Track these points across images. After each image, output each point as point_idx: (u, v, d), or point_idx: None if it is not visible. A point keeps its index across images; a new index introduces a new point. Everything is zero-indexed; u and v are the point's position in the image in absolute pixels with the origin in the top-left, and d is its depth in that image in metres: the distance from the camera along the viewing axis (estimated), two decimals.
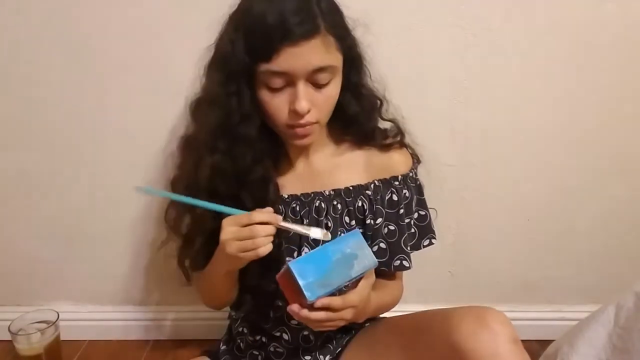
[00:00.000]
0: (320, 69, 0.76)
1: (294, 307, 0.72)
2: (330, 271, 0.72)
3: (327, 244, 0.75)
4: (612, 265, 1.25)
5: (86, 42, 1.05)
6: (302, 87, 0.76)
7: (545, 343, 1.05)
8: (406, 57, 1.06)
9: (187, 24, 1.02)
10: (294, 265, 0.71)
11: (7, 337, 1.06)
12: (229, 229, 0.76)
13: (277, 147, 0.89)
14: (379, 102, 0.92)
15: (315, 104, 0.79)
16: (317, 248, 0.74)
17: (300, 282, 0.70)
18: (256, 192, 0.83)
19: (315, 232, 0.78)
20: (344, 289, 0.75)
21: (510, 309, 1.27)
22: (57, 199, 1.19)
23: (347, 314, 0.75)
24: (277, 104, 0.79)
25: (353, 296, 0.75)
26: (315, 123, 0.81)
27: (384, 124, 0.94)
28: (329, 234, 0.80)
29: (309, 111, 0.78)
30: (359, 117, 0.89)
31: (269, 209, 0.77)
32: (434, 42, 1.06)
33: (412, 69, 1.07)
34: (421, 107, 1.08)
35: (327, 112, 0.83)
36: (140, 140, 1.12)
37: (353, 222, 0.89)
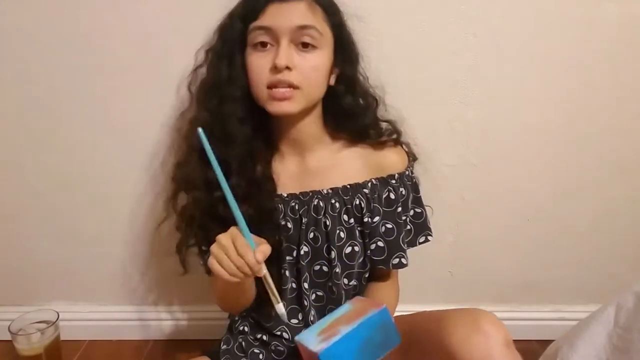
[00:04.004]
0: (304, 27, 0.80)
1: None
2: (357, 357, 0.74)
3: (357, 327, 0.75)
4: (612, 265, 1.25)
5: (86, 42, 1.05)
6: (285, 45, 0.80)
7: (545, 343, 1.05)
8: (406, 57, 1.06)
9: (189, 24, 1.02)
10: (325, 352, 0.71)
11: (7, 337, 1.06)
12: (227, 236, 0.74)
13: (272, 147, 0.91)
14: (375, 102, 0.93)
15: (297, 66, 0.81)
16: (348, 332, 0.74)
17: None
18: (242, 153, 0.85)
19: (279, 308, 0.78)
20: None
21: (510, 309, 1.28)
22: (56, 198, 1.18)
23: None
24: (261, 64, 0.82)
25: None
26: (296, 88, 0.81)
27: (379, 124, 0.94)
28: (285, 314, 0.79)
29: (287, 68, 0.80)
30: (353, 110, 0.90)
31: (266, 249, 0.74)
32: (434, 42, 1.06)
33: (412, 69, 1.07)
34: (421, 107, 1.08)
35: (309, 81, 0.83)
36: (140, 140, 1.12)
37: (352, 221, 0.90)
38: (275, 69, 0.80)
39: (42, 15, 1.04)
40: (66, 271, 1.25)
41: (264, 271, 0.75)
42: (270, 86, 0.81)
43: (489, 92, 1.10)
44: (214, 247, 0.74)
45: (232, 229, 0.75)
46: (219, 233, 0.75)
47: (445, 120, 1.12)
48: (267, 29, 0.80)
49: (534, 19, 1.05)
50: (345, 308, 0.84)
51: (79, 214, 1.20)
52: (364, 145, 0.92)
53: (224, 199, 0.74)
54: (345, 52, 0.88)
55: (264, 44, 0.82)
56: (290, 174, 0.92)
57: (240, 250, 0.72)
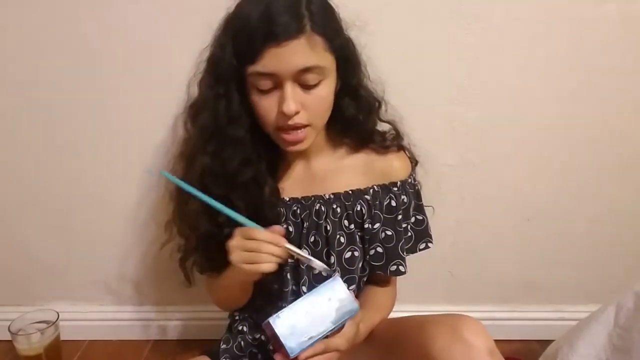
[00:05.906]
0: (307, 69, 0.75)
1: (277, 358, 0.74)
2: (311, 324, 0.74)
3: (308, 294, 0.76)
4: (612, 265, 1.25)
5: (86, 42, 1.05)
6: (290, 88, 0.76)
7: (545, 343, 1.05)
8: (406, 57, 1.06)
9: (188, 24, 1.02)
10: (275, 320, 0.73)
11: (7, 337, 1.07)
12: (238, 238, 0.77)
13: (274, 150, 0.89)
14: (377, 103, 0.92)
15: (304, 105, 0.78)
16: (298, 300, 0.75)
17: (282, 339, 0.72)
18: (247, 195, 0.84)
19: (317, 264, 0.79)
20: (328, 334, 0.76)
21: (511, 309, 1.28)
22: (56, 198, 1.19)
23: (333, 357, 0.77)
24: (266, 106, 0.79)
25: (338, 340, 0.77)
26: (307, 126, 0.80)
27: (382, 126, 0.94)
28: (336, 271, 0.80)
29: (297, 113, 0.77)
30: (357, 119, 0.88)
31: (279, 229, 0.78)
32: (433, 42, 1.06)
33: (412, 69, 1.07)
34: (421, 107, 1.08)
35: (319, 115, 0.82)
36: (141, 140, 1.12)
37: (352, 226, 0.90)
38: (284, 115, 0.77)
39: (42, 15, 1.03)
40: (66, 271, 1.25)
41: (285, 243, 0.77)
42: (280, 128, 0.80)
43: (489, 92, 1.10)
44: (234, 256, 0.76)
45: (237, 231, 0.77)
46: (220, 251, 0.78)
47: (445, 120, 1.12)
48: (268, 75, 0.76)
49: (534, 18, 1.05)
50: None
51: (79, 214, 1.20)
52: (367, 150, 0.92)
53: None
54: (348, 64, 0.84)
55: (266, 88, 0.78)
56: (294, 179, 0.91)
57: (255, 236, 0.75)
